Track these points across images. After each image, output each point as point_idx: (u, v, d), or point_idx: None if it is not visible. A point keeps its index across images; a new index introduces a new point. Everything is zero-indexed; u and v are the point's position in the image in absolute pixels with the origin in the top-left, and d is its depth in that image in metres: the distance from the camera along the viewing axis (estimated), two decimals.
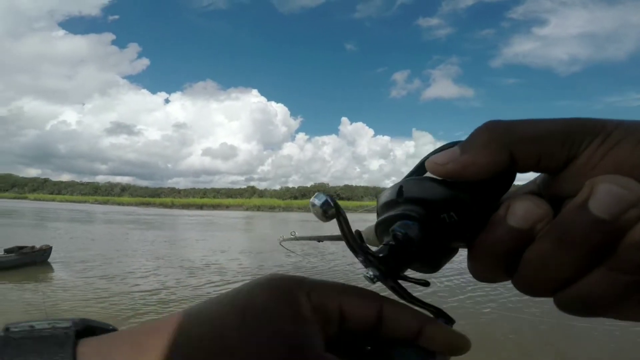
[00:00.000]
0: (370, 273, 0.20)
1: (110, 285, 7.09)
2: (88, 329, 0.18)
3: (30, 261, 8.26)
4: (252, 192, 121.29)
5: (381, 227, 0.22)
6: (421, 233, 0.20)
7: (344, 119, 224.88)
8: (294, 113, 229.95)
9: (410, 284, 0.22)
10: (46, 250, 8.79)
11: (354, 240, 0.21)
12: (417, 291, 0.20)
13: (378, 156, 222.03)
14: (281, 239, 1.15)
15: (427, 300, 0.23)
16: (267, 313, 0.17)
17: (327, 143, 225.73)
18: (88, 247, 11.84)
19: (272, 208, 76.43)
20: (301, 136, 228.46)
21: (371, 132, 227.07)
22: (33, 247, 8.58)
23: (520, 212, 0.18)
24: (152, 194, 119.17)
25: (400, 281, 0.21)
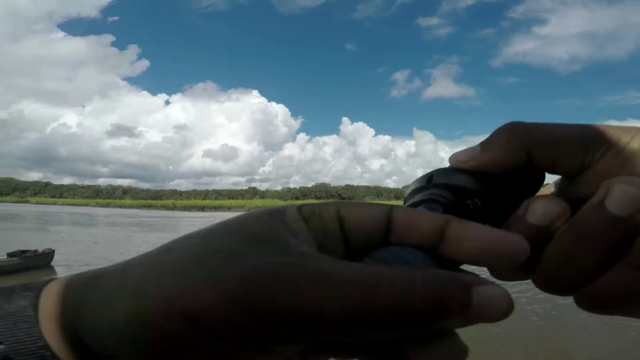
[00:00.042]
0: None
1: None
2: None
3: (33, 265, 8.26)
4: (253, 193, 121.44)
5: None
6: None
7: (345, 119, 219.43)
8: (294, 113, 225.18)
9: None
10: (49, 254, 8.78)
11: None
12: None
13: (379, 156, 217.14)
14: None
15: None
16: (250, 220, 0.17)
17: (328, 143, 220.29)
18: (91, 250, 11.85)
19: None
20: (302, 136, 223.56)
21: (372, 131, 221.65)
22: (36, 251, 8.56)
23: (539, 210, 0.19)
24: (153, 196, 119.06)
25: None
